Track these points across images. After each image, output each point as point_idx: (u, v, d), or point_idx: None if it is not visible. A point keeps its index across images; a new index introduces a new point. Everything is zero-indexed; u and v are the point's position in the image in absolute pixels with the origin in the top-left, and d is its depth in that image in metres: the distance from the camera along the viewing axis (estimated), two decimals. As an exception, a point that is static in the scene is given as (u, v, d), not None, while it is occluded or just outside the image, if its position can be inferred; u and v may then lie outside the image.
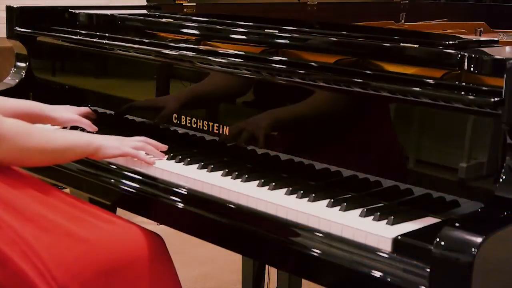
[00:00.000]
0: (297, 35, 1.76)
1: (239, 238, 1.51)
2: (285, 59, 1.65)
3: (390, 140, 1.51)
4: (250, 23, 1.91)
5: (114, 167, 1.80)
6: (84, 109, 2.03)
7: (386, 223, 1.34)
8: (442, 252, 1.15)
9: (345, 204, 1.42)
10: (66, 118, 1.95)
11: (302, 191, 1.49)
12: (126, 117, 2.04)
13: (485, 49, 1.47)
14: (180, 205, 1.61)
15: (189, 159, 1.72)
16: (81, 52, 2.23)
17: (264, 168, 1.66)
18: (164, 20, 2.11)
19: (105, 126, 2.02)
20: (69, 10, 2.30)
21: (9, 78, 2.33)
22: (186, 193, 1.62)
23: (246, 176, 1.59)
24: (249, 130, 1.71)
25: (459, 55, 1.40)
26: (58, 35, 2.20)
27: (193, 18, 2.16)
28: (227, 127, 1.75)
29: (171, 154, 1.77)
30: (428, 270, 1.18)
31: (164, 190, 1.66)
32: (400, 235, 1.29)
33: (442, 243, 1.15)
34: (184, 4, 2.42)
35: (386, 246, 1.28)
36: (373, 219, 1.36)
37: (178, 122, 1.86)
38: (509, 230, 1.19)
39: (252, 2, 2.75)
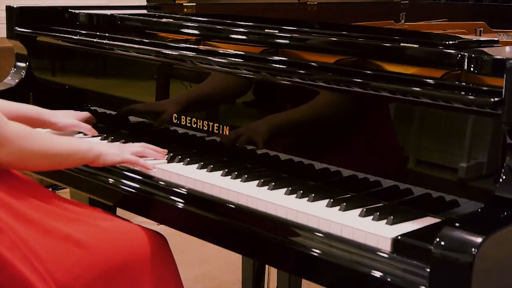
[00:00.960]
0: (297, 35, 1.76)
1: (239, 238, 1.51)
2: (285, 59, 1.65)
3: (390, 140, 1.51)
4: (250, 23, 1.91)
5: (114, 167, 1.80)
6: (84, 114, 2.02)
7: (386, 223, 1.34)
8: (442, 252, 1.15)
9: (345, 204, 1.42)
10: (65, 123, 1.94)
11: (301, 191, 1.49)
12: (126, 117, 2.04)
13: (485, 49, 1.47)
14: (180, 205, 1.61)
15: (189, 159, 1.72)
16: (81, 52, 2.23)
17: (264, 168, 1.66)
18: (164, 20, 2.11)
19: (105, 126, 2.02)
20: (69, 10, 2.30)
21: (9, 78, 2.32)
22: (186, 193, 1.62)
23: (246, 176, 1.59)
24: (249, 135, 1.71)
25: (459, 55, 1.40)
26: (58, 35, 2.20)
27: (193, 18, 2.16)
28: (227, 127, 1.75)
29: (171, 154, 1.77)
30: (428, 270, 1.18)
31: (164, 190, 1.66)
32: (400, 235, 1.29)
33: (442, 243, 1.15)
34: (184, 4, 2.42)
35: (385, 246, 1.28)
36: (372, 219, 1.36)
37: (178, 122, 1.86)
38: (509, 230, 1.19)
39: (252, 2, 2.75)
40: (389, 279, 1.24)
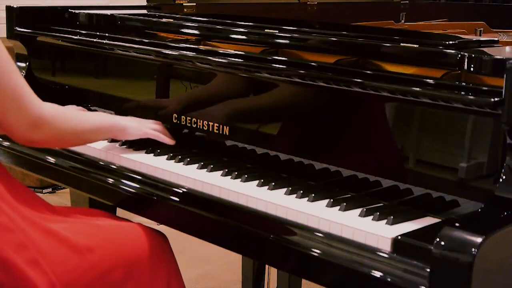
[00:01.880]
0: (297, 35, 1.76)
1: (239, 238, 1.51)
2: (285, 59, 1.65)
3: (390, 140, 1.51)
4: (250, 23, 1.91)
5: (114, 167, 1.80)
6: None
7: (386, 223, 1.34)
8: (442, 252, 1.15)
9: (345, 204, 1.42)
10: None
11: (301, 191, 1.49)
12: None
13: (485, 49, 1.48)
14: (180, 205, 1.61)
15: (189, 159, 1.72)
16: (81, 52, 2.23)
17: (264, 168, 1.66)
18: (164, 20, 2.11)
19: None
20: (69, 10, 2.30)
21: (9, 78, 2.32)
22: (186, 193, 1.62)
23: (246, 176, 1.59)
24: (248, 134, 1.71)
25: (459, 55, 1.40)
26: (58, 35, 2.20)
27: (193, 18, 2.16)
28: (227, 127, 1.75)
29: (171, 154, 1.77)
30: (428, 270, 1.18)
31: (164, 190, 1.66)
32: (400, 235, 1.29)
33: (442, 243, 1.15)
34: (184, 4, 2.42)
35: (385, 246, 1.28)
36: (372, 219, 1.36)
37: (178, 122, 1.86)
38: (509, 230, 1.19)
39: (252, 2, 2.75)
40: (389, 279, 1.24)
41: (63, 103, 2.06)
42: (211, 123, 1.78)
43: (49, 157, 1.93)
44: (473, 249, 1.12)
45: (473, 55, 1.37)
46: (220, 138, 1.77)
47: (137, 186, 1.71)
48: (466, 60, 1.38)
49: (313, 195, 1.47)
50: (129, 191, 1.72)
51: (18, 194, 1.52)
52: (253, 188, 1.55)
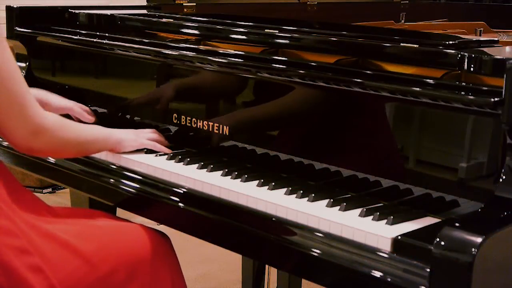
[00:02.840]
0: (297, 35, 1.76)
1: (239, 238, 1.51)
2: (285, 59, 1.65)
3: (390, 140, 1.51)
4: (250, 23, 1.91)
5: (114, 167, 1.80)
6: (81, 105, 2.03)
7: (386, 223, 1.34)
8: (442, 252, 1.15)
9: (345, 204, 1.42)
10: (58, 104, 1.98)
11: (301, 191, 1.49)
12: (126, 117, 2.04)
13: (485, 49, 1.47)
14: (180, 205, 1.61)
15: (189, 159, 1.72)
16: (81, 52, 2.23)
17: (264, 168, 1.66)
18: (164, 20, 2.11)
19: (105, 126, 2.01)
20: (69, 10, 2.30)
21: (9, 78, 2.32)
22: (186, 193, 1.62)
23: (246, 176, 1.59)
24: (249, 132, 1.71)
25: (459, 55, 1.40)
26: (58, 35, 2.20)
27: (193, 18, 2.16)
28: (227, 127, 1.75)
29: (171, 154, 1.77)
30: (428, 270, 1.18)
31: (164, 190, 1.66)
32: (400, 235, 1.29)
33: (442, 243, 1.15)
34: (184, 4, 2.42)
35: (385, 246, 1.28)
36: (372, 219, 1.36)
37: (178, 122, 1.86)
38: (509, 230, 1.19)
39: (252, 2, 2.75)
40: (389, 279, 1.24)
41: (63, 103, 2.06)
42: (211, 123, 1.78)
43: (49, 157, 1.94)
44: (473, 249, 1.12)
45: (473, 55, 1.37)
46: (220, 138, 1.77)
47: (137, 186, 1.71)
48: (466, 60, 1.38)
49: (313, 195, 1.47)
50: (129, 191, 1.72)
51: (18, 196, 1.51)
52: (253, 188, 1.55)
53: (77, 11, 2.29)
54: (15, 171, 1.86)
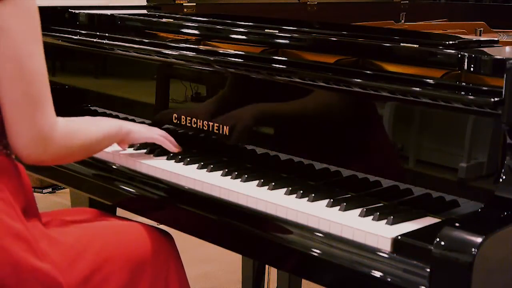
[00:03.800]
0: (297, 35, 1.76)
1: (239, 238, 1.51)
2: (285, 59, 1.65)
3: (390, 140, 1.51)
4: (250, 23, 1.91)
5: (114, 167, 1.80)
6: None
7: (386, 223, 1.34)
8: (442, 252, 1.15)
9: (345, 204, 1.42)
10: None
11: (301, 191, 1.49)
12: (125, 117, 2.04)
13: (485, 49, 1.47)
14: (180, 205, 1.61)
15: (189, 159, 1.72)
16: (81, 52, 2.23)
17: (264, 168, 1.66)
18: (164, 20, 2.11)
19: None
20: (69, 10, 2.30)
21: (9, 78, 2.32)
22: (186, 193, 1.61)
23: (246, 176, 1.59)
24: (248, 133, 1.71)
25: (459, 55, 1.40)
26: (58, 35, 2.20)
27: (193, 18, 2.16)
28: (227, 127, 1.75)
29: (171, 154, 1.77)
30: (428, 270, 1.18)
31: (164, 190, 1.66)
32: (400, 235, 1.29)
33: (442, 243, 1.15)
34: (184, 4, 2.42)
35: (385, 246, 1.28)
36: (372, 219, 1.36)
37: (178, 122, 1.86)
38: (509, 230, 1.19)
39: (252, 2, 2.75)
40: (389, 279, 1.24)
41: (63, 103, 2.06)
42: (211, 123, 1.78)
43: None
44: (473, 249, 1.12)
45: (473, 55, 1.37)
46: (220, 138, 1.77)
47: (137, 186, 1.71)
48: (466, 60, 1.38)
49: (313, 195, 1.47)
50: (129, 191, 1.72)
51: (23, 199, 1.51)
52: (253, 188, 1.55)
53: (77, 11, 2.29)
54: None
